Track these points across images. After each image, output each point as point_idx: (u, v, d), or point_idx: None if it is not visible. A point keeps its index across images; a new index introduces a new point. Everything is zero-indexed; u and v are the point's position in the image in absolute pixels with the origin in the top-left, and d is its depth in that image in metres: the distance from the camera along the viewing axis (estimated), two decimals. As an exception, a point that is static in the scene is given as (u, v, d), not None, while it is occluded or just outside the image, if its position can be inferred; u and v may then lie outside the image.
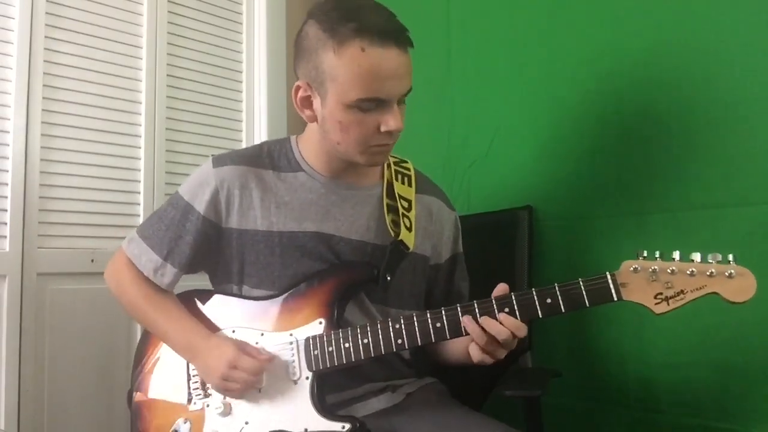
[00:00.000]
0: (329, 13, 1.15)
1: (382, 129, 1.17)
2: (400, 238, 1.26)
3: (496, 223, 1.67)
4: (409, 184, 1.35)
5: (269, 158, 1.31)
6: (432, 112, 1.92)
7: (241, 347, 1.19)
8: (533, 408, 1.27)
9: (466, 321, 1.10)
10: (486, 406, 1.42)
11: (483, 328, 1.08)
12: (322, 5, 1.18)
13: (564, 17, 1.65)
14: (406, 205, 1.31)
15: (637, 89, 1.51)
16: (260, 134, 2.21)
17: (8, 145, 1.70)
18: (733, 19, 1.35)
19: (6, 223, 1.69)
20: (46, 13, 1.78)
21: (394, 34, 1.14)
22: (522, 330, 1.08)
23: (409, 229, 1.28)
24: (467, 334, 1.11)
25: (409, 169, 1.39)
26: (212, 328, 1.26)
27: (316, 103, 1.20)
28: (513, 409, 1.31)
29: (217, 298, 1.30)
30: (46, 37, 1.78)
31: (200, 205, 1.27)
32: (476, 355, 1.11)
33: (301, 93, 1.21)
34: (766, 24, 1.31)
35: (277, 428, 1.16)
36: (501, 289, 1.11)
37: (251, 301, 1.26)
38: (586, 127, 1.60)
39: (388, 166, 1.35)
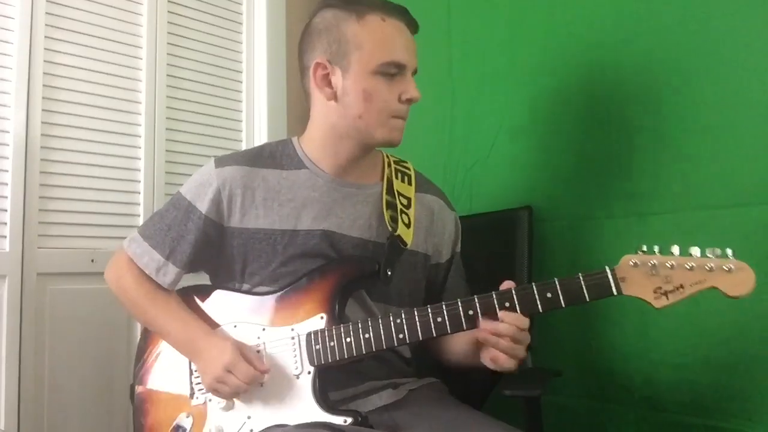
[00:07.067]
0: None
1: (403, 97, 1.24)
2: (397, 233, 1.26)
3: (497, 223, 1.66)
4: (409, 183, 1.37)
5: (271, 158, 1.31)
6: (434, 113, 1.92)
7: (242, 351, 1.18)
8: (533, 407, 1.27)
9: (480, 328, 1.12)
10: (486, 405, 1.42)
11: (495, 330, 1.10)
12: None
13: (565, 17, 1.65)
14: (405, 202, 1.32)
15: (638, 90, 1.51)
16: (260, 134, 2.21)
17: (8, 144, 1.69)
18: (733, 19, 1.35)
19: (6, 223, 1.68)
20: (46, 13, 1.77)
21: (405, 14, 1.27)
22: (524, 322, 1.10)
23: (408, 226, 1.29)
24: (468, 328, 1.12)
25: (409, 169, 1.40)
26: (213, 324, 1.26)
27: (336, 78, 1.24)
28: (513, 409, 1.31)
29: (218, 294, 1.30)
30: (46, 37, 1.77)
31: (202, 205, 1.27)
32: (491, 361, 1.13)
33: (320, 71, 1.25)
34: (766, 24, 1.31)
35: (279, 423, 1.16)
36: (506, 285, 1.12)
37: (252, 296, 1.27)
38: (587, 128, 1.60)
39: (389, 164, 1.36)
